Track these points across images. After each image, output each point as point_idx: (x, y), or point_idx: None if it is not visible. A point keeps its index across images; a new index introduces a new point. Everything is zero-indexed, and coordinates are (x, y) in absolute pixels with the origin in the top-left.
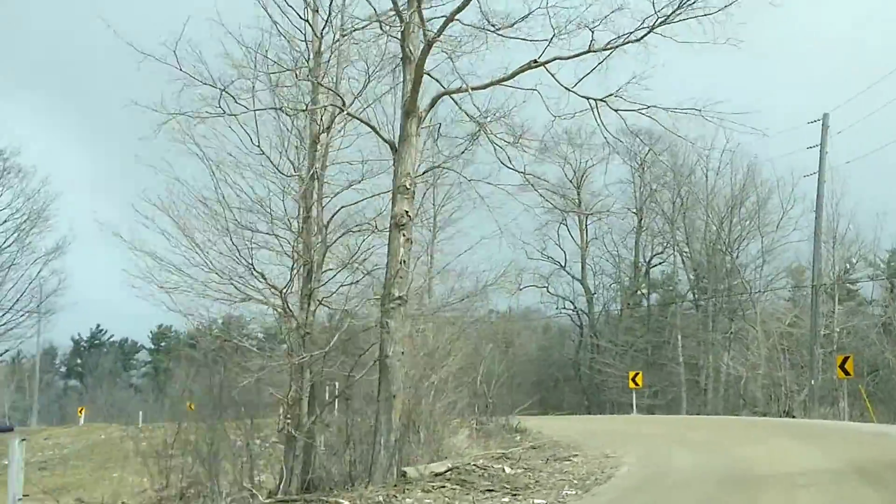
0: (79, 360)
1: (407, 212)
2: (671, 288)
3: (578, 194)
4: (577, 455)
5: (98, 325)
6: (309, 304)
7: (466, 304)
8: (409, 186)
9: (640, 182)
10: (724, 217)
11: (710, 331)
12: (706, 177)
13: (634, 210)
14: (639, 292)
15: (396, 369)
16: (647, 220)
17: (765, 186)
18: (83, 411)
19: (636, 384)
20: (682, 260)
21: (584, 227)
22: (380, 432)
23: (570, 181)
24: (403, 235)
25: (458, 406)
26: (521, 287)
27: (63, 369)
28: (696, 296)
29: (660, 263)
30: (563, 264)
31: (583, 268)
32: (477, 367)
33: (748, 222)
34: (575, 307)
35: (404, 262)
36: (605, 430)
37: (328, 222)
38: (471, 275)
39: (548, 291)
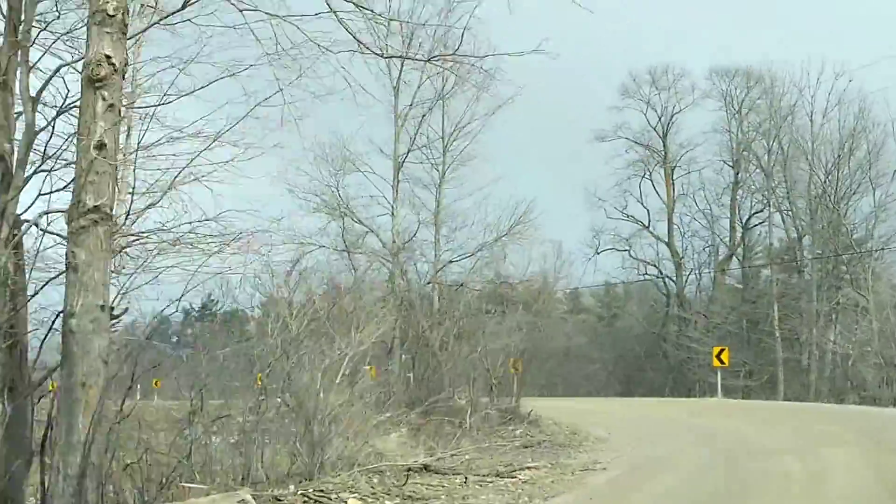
0: (189, 331)
1: (109, 57)
2: (770, 252)
3: (664, 144)
4: (541, 465)
5: (209, 295)
6: (0, 224)
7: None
8: (112, 13)
9: (737, 130)
10: (831, 168)
11: (813, 301)
12: (810, 121)
13: (730, 163)
14: (734, 257)
15: (89, 339)
16: (744, 174)
17: (878, 129)
18: (158, 384)
19: (721, 362)
20: (783, 218)
21: (670, 181)
22: (56, 446)
23: (654, 129)
24: (103, 99)
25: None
26: (599, 250)
27: (175, 339)
28: (798, 261)
29: (759, 224)
30: (646, 224)
31: (669, 228)
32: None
33: (859, 173)
34: (661, 273)
35: (105, 146)
36: (647, 419)
37: (39, 94)
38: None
39: (630, 255)
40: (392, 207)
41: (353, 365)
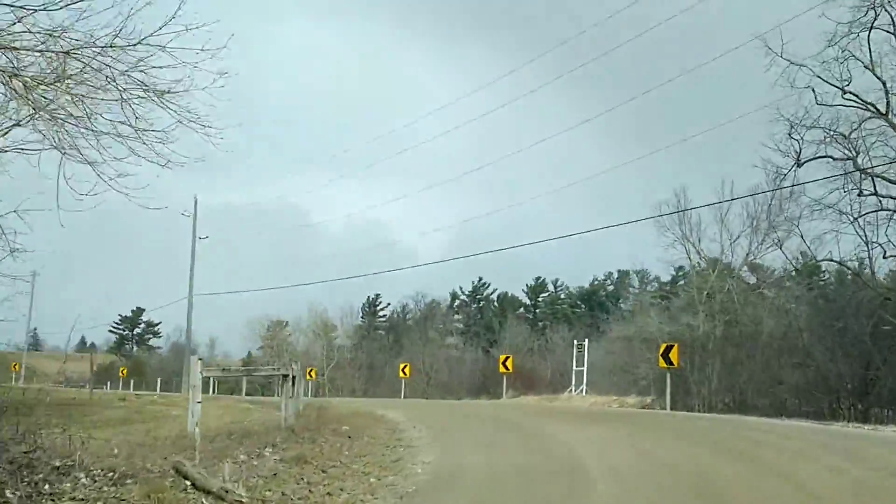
0: (456, 316)
1: None
2: None
3: None
4: None
5: (480, 279)
6: None
7: None
8: None
9: None
10: None
11: None
12: None
13: None
14: None
15: None
16: None
17: None
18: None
19: None
20: None
21: None
22: None
23: None
24: None
25: None
26: (801, 160)
27: (440, 325)
28: None
29: None
30: (882, 110)
31: None
32: None
33: None
34: None
35: None
36: None
37: None
38: None
39: (854, 166)
40: None
41: None
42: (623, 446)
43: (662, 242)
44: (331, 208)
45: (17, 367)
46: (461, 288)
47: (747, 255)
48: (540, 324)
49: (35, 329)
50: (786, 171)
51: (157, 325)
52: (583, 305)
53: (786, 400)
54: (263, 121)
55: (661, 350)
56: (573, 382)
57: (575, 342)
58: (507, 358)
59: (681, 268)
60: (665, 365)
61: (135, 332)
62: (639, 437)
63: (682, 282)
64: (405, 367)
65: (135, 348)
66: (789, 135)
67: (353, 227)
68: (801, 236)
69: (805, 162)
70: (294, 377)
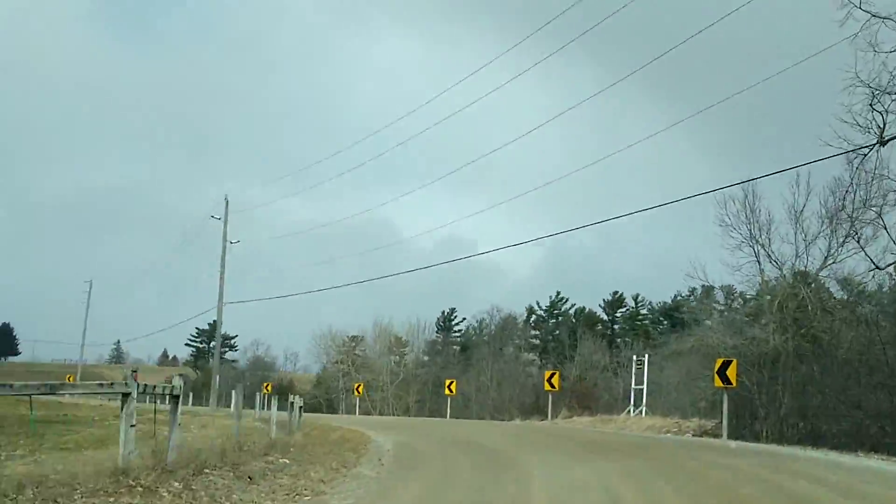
0: (535, 332)
1: None
2: None
3: None
4: None
5: (558, 293)
6: None
7: None
8: None
9: None
10: None
11: None
12: None
13: None
14: None
15: None
16: None
17: None
18: (454, 384)
19: None
20: None
21: None
22: None
23: None
24: None
25: None
26: (885, 137)
27: (516, 341)
28: None
29: None
30: None
31: None
32: None
33: None
34: None
35: None
36: None
37: None
38: None
39: None
40: None
41: None
42: (597, 495)
43: (728, 244)
44: (417, 223)
45: (71, 378)
46: (538, 303)
47: (826, 258)
48: (618, 340)
49: (118, 341)
50: (866, 151)
51: (233, 337)
52: (664, 321)
53: (868, 427)
54: (350, 134)
55: (717, 366)
56: (632, 402)
57: (634, 358)
58: (553, 374)
59: (766, 281)
60: (721, 384)
61: (211, 345)
62: (635, 482)
63: (769, 297)
64: (451, 383)
65: (210, 361)
66: (871, 106)
67: (438, 241)
68: (885, 227)
69: (890, 139)
70: (160, 396)
